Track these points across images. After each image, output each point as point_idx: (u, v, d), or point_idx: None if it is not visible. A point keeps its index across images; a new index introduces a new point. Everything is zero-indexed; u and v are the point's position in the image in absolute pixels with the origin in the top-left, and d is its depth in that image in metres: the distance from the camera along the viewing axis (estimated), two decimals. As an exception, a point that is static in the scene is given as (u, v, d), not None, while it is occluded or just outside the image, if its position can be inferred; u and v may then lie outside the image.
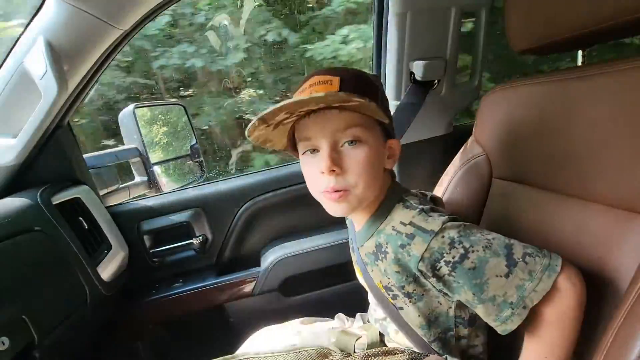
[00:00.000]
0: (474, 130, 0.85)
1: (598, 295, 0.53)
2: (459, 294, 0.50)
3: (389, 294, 0.59)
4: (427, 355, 0.60)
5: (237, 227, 1.16)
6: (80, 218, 0.94)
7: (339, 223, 1.18)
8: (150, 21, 0.86)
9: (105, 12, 0.76)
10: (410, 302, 0.55)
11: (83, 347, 1.00)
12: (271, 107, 0.47)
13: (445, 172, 0.87)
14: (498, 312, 0.47)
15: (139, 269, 1.12)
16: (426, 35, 1.02)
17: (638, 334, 0.42)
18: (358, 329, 0.70)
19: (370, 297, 0.70)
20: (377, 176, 0.54)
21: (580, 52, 0.69)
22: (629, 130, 0.51)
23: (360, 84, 0.52)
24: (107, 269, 0.96)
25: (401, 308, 0.58)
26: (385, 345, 0.66)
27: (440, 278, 0.50)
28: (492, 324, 0.49)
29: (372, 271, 0.60)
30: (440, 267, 0.49)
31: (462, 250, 0.48)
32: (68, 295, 0.84)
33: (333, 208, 0.55)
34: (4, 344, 0.65)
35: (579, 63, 0.69)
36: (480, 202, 0.79)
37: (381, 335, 0.67)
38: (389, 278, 0.56)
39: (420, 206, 0.54)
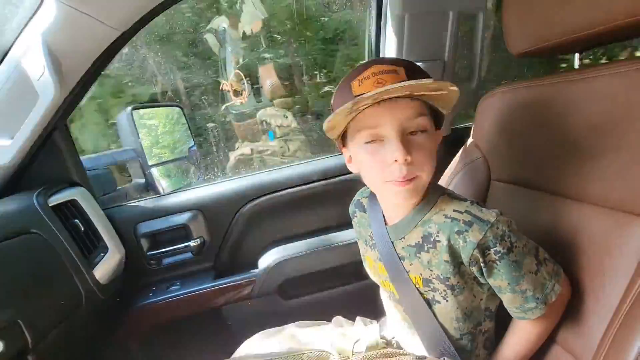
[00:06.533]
0: (472, 132, 0.85)
1: (596, 297, 0.53)
2: (494, 279, 0.53)
3: (426, 288, 0.58)
4: (425, 357, 0.59)
5: (234, 229, 1.15)
6: (76, 220, 0.94)
7: (337, 226, 1.18)
8: (148, 22, 0.86)
9: (103, 14, 0.76)
10: (452, 294, 0.56)
11: (78, 351, 0.99)
12: (369, 93, 0.46)
13: (443, 174, 0.87)
14: (524, 302, 0.53)
15: (135, 272, 1.11)
16: (424, 37, 1.03)
17: (636, 336, 0.42)
18: (357, 332, 0.69)
19: (386, 298, 0.69)
20: (434, 166, 0.55)
21: (577, 56, 0.69)
22: (626, 133, 0.51)
23: (423, 74, 0.52)
24: (103, 272, 0.95)
25: (438, 302, 0.57)
26: (386, 347, 0.65)
27: (485, 263, 0.52)
28: (512, 309, 0.55)
29: (411, 264, 0.58)
30: (489, 254, 0.51)
31: (508, 244, 0.51)
32: (63, 298, 0.83)
33: (401, 194, 0.54)
34: (-2, 348, 0.64)
35: (576, 66, 0.70)
36: (479, 205, 0.79)
37: (383, 337, 0.67)
38: (431, 270, 0.56)
39: (470, 199, 0.56)
